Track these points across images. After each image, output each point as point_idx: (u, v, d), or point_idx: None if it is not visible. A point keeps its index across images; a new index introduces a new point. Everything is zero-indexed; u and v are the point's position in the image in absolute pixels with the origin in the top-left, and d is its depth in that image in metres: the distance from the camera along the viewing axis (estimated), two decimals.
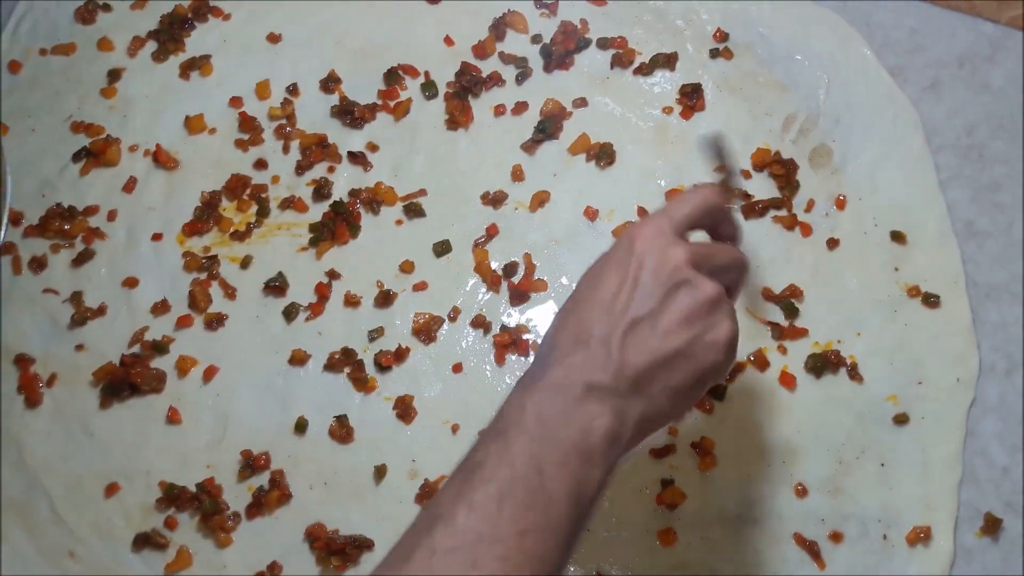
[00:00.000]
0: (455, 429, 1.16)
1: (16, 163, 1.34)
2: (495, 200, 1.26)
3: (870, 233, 1.20)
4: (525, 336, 1.19)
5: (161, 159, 1.31)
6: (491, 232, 1.24)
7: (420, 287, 1.23)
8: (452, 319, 1.21)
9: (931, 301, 1.16)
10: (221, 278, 1.25)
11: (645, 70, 1.30)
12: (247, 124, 1.33)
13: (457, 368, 1.19)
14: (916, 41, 1.30)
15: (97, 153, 1.32)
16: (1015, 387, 1.13)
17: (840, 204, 1.21)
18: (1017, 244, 1.19)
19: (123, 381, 1.20)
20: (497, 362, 1.19)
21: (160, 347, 1.22)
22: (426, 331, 1.20)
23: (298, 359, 1.20)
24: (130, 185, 1.31)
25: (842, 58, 1.29)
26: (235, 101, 1.34)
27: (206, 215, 1.28)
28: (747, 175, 1.24)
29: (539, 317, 1.20)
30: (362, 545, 1.11)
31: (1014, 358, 1.14)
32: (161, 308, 1.24)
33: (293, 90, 1.34)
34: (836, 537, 1.08)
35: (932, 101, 1.27)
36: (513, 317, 1.21)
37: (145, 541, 1.15)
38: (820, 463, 1.11)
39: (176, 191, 1.30)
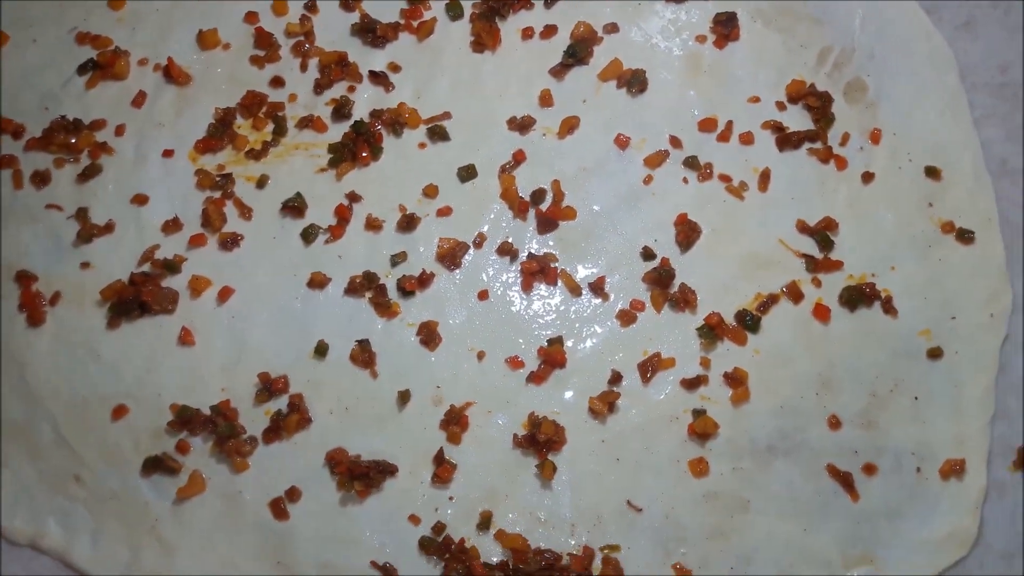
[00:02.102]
0: (480, 356, 1.13)
1: (16, 74, 1.28)
2: (522, 125, 1.22)
3: (904, 168, 1.18)
4: (553, 264, 1.16)
5: (173, 73, 1.26)
6: (518, 158, 1.20)
7: (444, 212, 1.19)
8: (478, 245, 1.17)
9: (965, 237, 1.14)
10: (236, 197, 1.20)
11: None
12: (263, 40, 1.27)
13: (483, 295, 1.15)
14: None
15: (104, 66, 1.26)
16: None
17: (875, 138, 1.19)
18: None
19: (132, 300, 1.15)
20: (524, 290, 1.15)
21: (172, 266, 1.17)
22: (451, 257, 1.16)
23: (318, 282, 1.16)
24: (139, 100, 1.25)
25: None
26: (251, 16, 1.29)
27: (220, 132, 1.23)
28: (782, 107, 1.21)
29: (567, 245, 1.17)
30: (386, 470, 1.08)
31: None
32: (173, 226, 1.19)
33: (312, 6, 1.29)
34: (869, 469, 1.07)
35: (967, 39, 1.25)
36: (541, 245, 1.17)
37: (155, 465, 1.11)
38: (854, 396, 1.09)
39: (188, 107, 1.25)
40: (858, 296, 1.12)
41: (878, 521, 1.06)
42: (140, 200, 1.21)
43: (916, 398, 1.09)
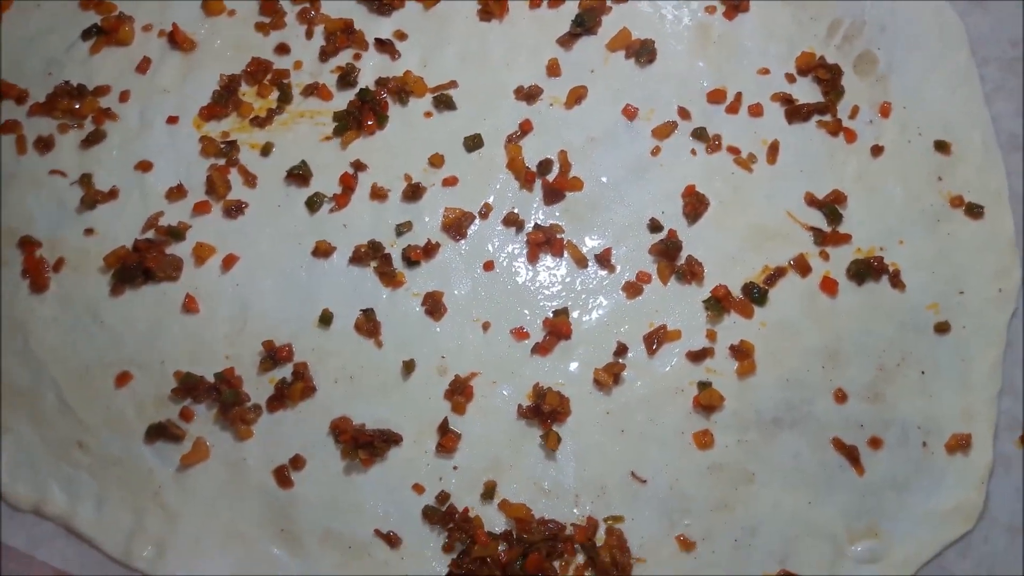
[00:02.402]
0: (486, 327, 1.12)
1: (19, 39, 1.26)
2: (529, 95, 1.21)
3: (914, 142, 1.17)
4: (560, 236, 1.15)
5: (177, 40, 1.24)
6: (525, 128, 1.20)
7: (450, 182, 1.18)
8: (483, 216, 1.17)
9: (974, 212, 1.14)
10: (241, 164, 1.19)
11: None
12: (268, 7, 1.26)
13: (488, 266, 1.15)
14: None
15: (108, 31, 1.25)
16: None
17: (884, 112, 1.18)
18: None
19: (136, 267, 1.15)
20: (530, 260, 1.15)
21: (176, 233, 1.16)
22: (456, 227, 1.16)
23: (322, 251, 1.15)
24: (144, 65, 1.24)
25: None
26: None
27: (225, 99, 1.22)
28: (791, 79, 1.20)
29: (574, 216, 1.16)
30: (390, 439, 1.08)
31: None
32: (177, 193, 1.18)
33: None
34: (875, 443, 1.07)
35: (978, 13, 1.24)
36: (547, 216, 1.17)
37: (159, 432, 1.10)
38: (861, 369, 1.09)
39: (193, 73, 1.24)
40: (866, 270, 1.11)
41: (884, 494, 1.06)
42: (144, 167, 1.20)
43: (923, 372, 1.09)
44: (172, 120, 1.22)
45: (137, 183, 1.19)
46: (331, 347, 1.12)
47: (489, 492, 1.07)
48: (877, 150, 1.17)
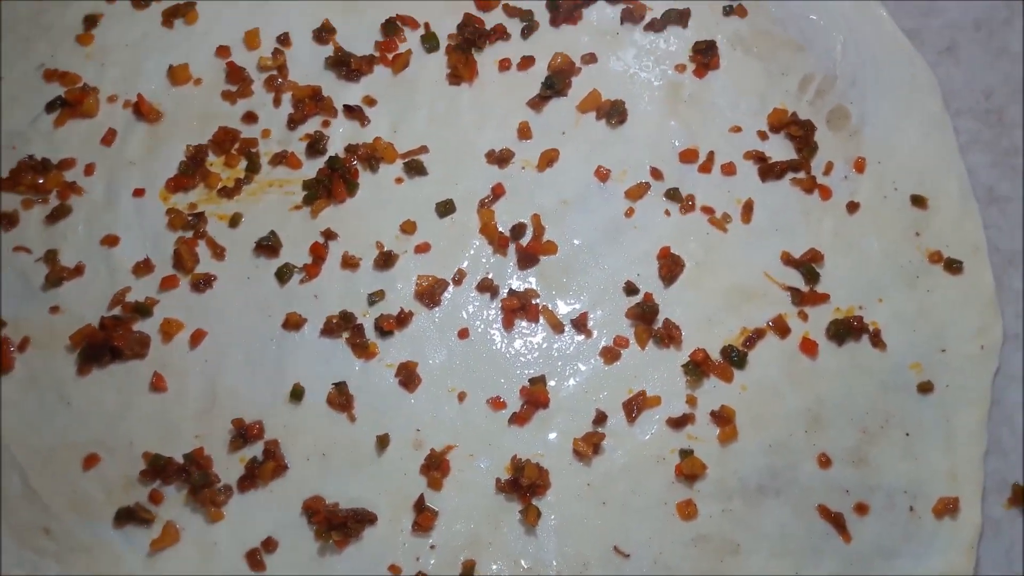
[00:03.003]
0: (462, 397, 1.10)
1: None
2: (501, 159, 1.19)
3: (890, 197, 1.16)
4: (535, 301, 1.13)
5: (143, 110, 1.23)
6: (497, 192, 1.18)
7: (422, 248, 1.16)
8: (457, 282, 1.15)
9: (953, 267, 1.12)
10: (208, 237, 1.17)
11: (657, 26, 1.25)
12: (235, 75, 1.25)
13: (463, 333, 1.13)
14: (931, 3, 1.27)
15: (73, 103, 1.23)
16: None
17: (859, 167, 1.17)
18: None
19: (103, 345, 1.12)
20: (505, 327, 1.13)
21: (143, 309, 1.14)
22: (429, 295, 1.14)
23: (293, 323, 1.13)
24: (109, 137, 1.22)
25: (857, 18, 1.25)
26: (222, 51, 1.26)
27: (192, 170, 1.20)
28: (764, 136, 1.19)
29: (549, 281, 1.14)
30: (364, 519, 1.05)
31: None
32: (144, 268, 1.16)
33: (284, 40, 1.27)
34: (861, 509, 1.04)
35: (949, 64, 1.24)
36: (521, 281, 1.15)
37: (128, 516, 1.07)
38: (844, 432, 1.07)
39: (159, 145, 1.22)
40: (846, 329, 1.10)
41: (872, 561, 1.03)
42: (111, 241, 1.18)
43: (907, 434, 1.07)
44: (138, 192, 1.20)
45: (103, 258, 1.17)
46: (303, 423, 1.10)
47: (468, 571, 1.04)
48: (853, 206, 1.16)
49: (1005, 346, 1.10)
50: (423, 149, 1.20)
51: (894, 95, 1.21)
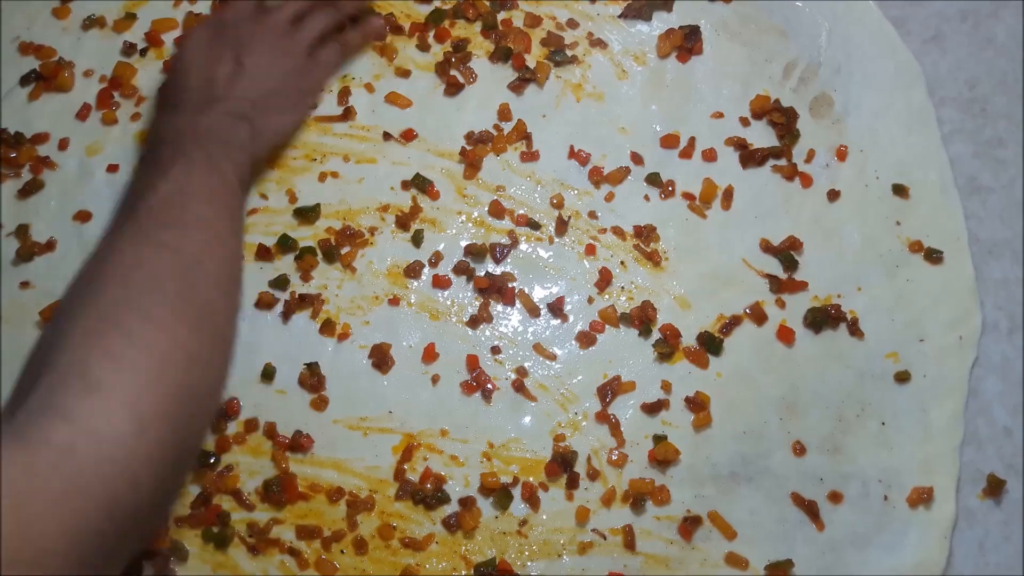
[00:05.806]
0: (435, 380, 1.09)
1: None
2: (480, 140, 1.18)
3: (871, 186, 1.15)
4: (511, 284, 1.12)
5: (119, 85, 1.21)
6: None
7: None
8: (433, 264, 1.14)
9: (933, 257, 1.12)
10: None
11: (644, 13, 1.23)
12: None
13: (437, 316, 1.11)
14: None
15: (48, 77, 1.21)
16: (1017, 347, 1.10)
17: (841, 155, 1.16)
18: (1020, 201, 1.16)
19: None
20: (481, 310, 1.12)
21: None
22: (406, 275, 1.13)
23: (265, 303, 1.12)
24: (84, 112, 1.21)
25: (843, 6, 1.24)
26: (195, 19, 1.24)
27: None
28: (746, 123, 1.18)
29: (525, 265, 1.13)
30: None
31: (1017, 317, 1.11)
32: None
33: None
34: (835, 497, 1.04)
35: (935, 54, 1.23)
36: (498, 264, 1.14)
37: None
38: (819, 421, 1.06)
39: (133, 120, 1.20)
40: (823, 318, 1.09)
41: (844, 550, 1.03)
42: (83, 217, 1.16)
43: (883, 423, 1.06)
44: (112, 168, 1.18)
45: (75, 234, 1.16)
46: (274, 403, 1.09)
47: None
48: (834, 194, 1.15)
49: (983, 337, 1.10)
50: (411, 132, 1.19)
51: (878, 84, 1.20)
